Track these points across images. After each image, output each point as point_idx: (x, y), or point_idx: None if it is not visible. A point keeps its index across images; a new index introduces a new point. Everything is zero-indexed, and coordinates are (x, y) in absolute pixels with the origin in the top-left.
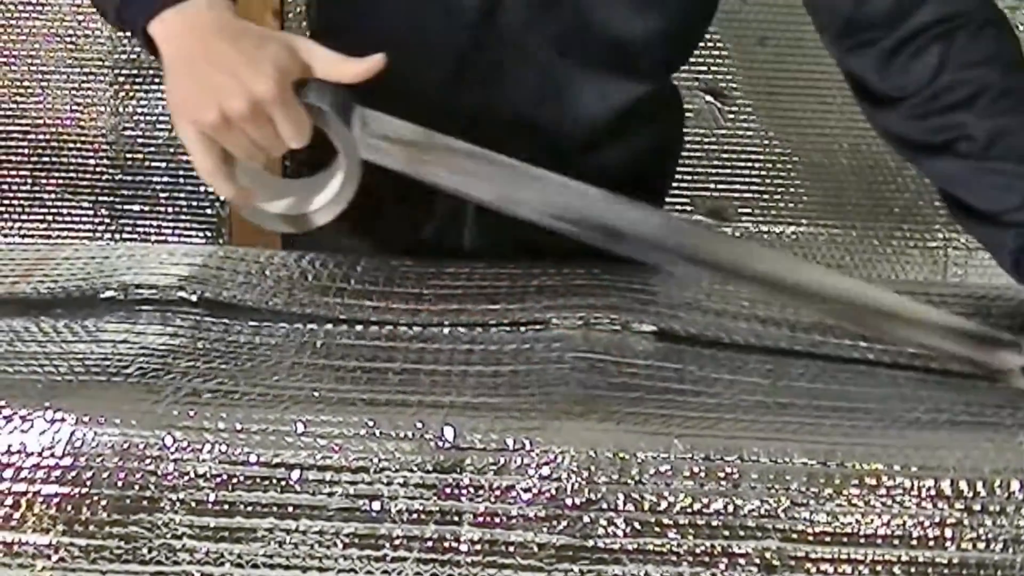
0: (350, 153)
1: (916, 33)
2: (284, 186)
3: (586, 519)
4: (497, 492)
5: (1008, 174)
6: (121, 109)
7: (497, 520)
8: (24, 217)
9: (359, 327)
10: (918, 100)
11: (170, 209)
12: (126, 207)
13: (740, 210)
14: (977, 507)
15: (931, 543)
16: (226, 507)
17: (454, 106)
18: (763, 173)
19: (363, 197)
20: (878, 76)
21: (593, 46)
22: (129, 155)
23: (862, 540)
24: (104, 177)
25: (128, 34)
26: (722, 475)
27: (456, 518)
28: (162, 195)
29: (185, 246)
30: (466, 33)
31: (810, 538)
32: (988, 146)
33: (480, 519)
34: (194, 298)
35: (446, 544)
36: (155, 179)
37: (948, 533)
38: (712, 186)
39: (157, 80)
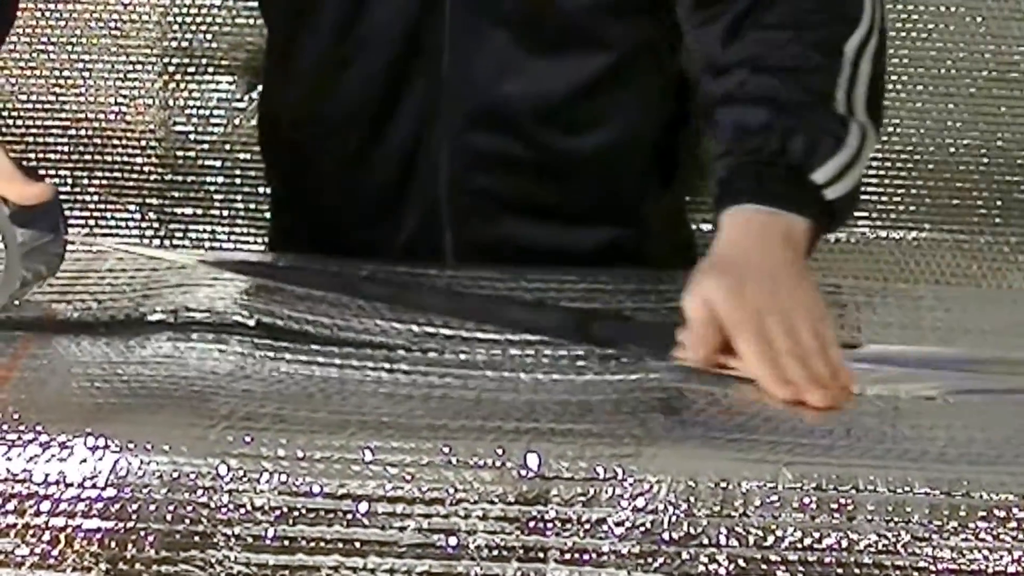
0: (11, 267)
1: None
2: None
3: (685, 555)
4: (586, 526)
5: None
6: (171, 102)
7: (586, 557)
8: None
9: (432, 353)
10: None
11: (225, 213)
12: (176, 210)
13: (856, 214)
14: None
15: None
16: (286, 543)
17: (406, 98)
18: (881, 173)
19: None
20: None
21: (547, 21)
22: (180, 153)
23: None
24: (152, 177)
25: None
26: (835, 506)
27: (541, 555)
28: (216, 197)
29: (241, 255)
30: (412, 19)
31: None
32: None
33: (567, 555)
34: (251, 323)
35: None
36: (208, 180)
37: None
38: None
39: (210, 70)
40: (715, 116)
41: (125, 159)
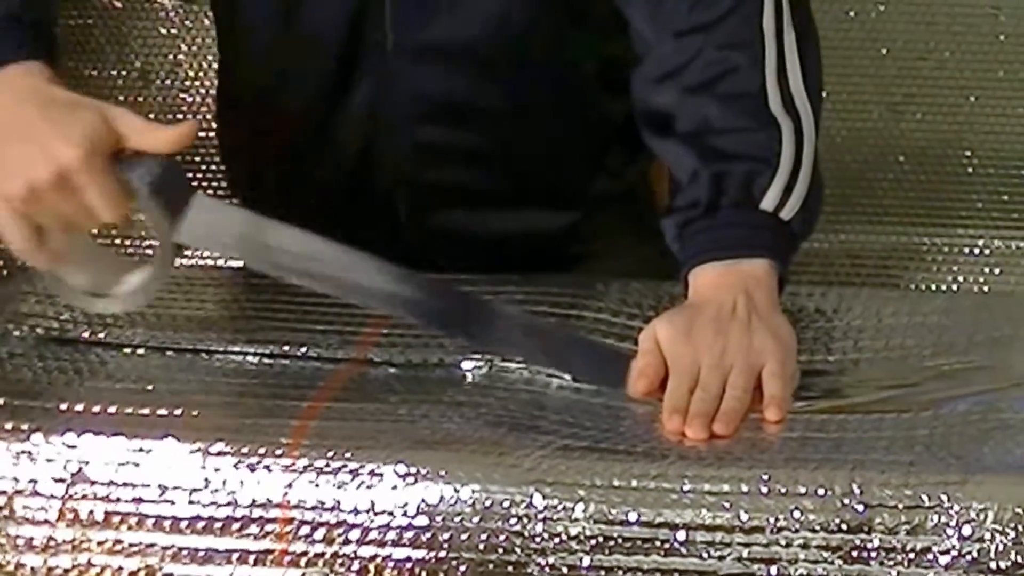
0: (163, 241)
1: None
2: (102, 260)
3: None
4: (911, 555)
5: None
6: None
7: None
8: None
9: None
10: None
11: None
12: None
13: None
14: None
15: None
16: (602, 573)
17: (352, 95)
18: None
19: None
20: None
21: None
22: None
23: None
24: None
25: None
26: None
27: None
28: None
29: None
30: (344, 31)
31: None
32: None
33: None
34: None
35: None
36: None
37: None
38: None
39: None
40: (653, 143)
41: None
